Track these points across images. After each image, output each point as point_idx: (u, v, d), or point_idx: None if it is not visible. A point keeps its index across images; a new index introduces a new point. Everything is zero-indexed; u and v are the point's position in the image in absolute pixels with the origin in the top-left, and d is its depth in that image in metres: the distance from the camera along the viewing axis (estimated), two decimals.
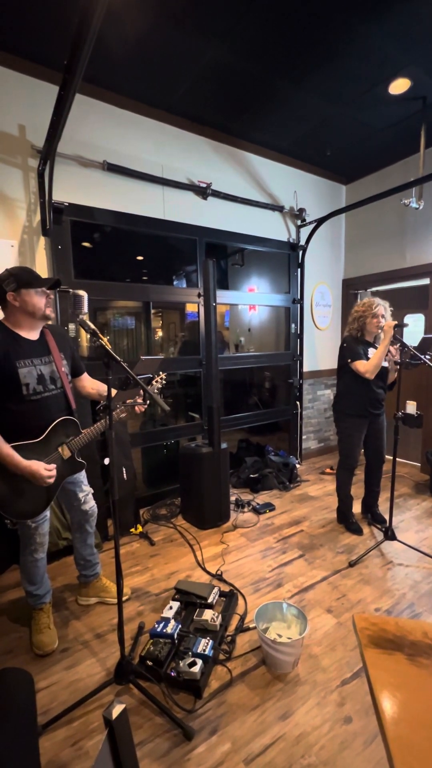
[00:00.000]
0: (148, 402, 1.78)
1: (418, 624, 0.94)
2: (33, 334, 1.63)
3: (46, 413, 1.62)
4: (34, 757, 1.01)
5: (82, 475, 1.87)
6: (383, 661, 0.83)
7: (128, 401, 1.76)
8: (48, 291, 1.61)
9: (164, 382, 1.83)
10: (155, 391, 1.84)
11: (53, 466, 1.59)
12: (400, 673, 0.80)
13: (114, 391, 1.50)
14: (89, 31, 1.35)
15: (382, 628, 0.92)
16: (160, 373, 1.83)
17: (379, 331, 2.49)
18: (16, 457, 1.50)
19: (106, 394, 1.85)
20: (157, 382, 1.80)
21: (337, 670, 1.61)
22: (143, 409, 1.77)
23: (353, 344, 2.52)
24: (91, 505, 1.91)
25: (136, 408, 1.76)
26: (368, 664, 0.83)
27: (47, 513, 1.72)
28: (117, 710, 0.60)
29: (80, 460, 1.76)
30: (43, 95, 2.38)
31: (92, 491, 1.93)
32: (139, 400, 1.76)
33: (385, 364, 2.48)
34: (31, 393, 1.57)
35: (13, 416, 1.54)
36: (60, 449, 1.66)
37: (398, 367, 2.41)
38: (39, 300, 1.57)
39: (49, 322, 1.71)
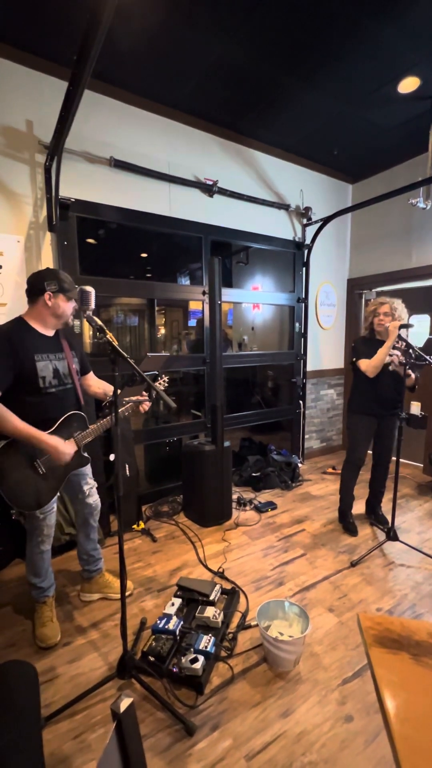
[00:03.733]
0: (152, 400, 1.79)
1: (423, 624, 0.94)
2: (49, 331, 1.69)
3: (60, 407, 1.67)
4: (37, 749, 1.02)
5: (88, 469, 1.90)
6: (388, 661, 0.83)
7: (133, 398, 1.77)
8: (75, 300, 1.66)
9: (166, 384, 1.84)
10: (162, 388, 1.85)
11: (71, 442, 1.65)
12: (405, 672, 0.80)
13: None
14: (99, 27, 1.35)
15: (386, 627, 0.92)
16: (163, 375, 1.84)
17: (384, 330, 2.49)
18: (37, 431, 1.53)
19: (111, 392, 1.87)
20: (160, 384, 1.81)
21: (338, 668, 1.61)
22: (147, 408, 1.79)
23: (360, 344, 2.56)
24: (95, 498, 1.93)
25: (140, 407, 1.77)
26: (374, 663, 0.83)
27: (54, 505, 1.75)
28: (125, 703, 0.60)
29: (86, 455, 1.79)
30: (51, 91, 2.38)
31: (96, 485, 1.95)
32: (145, 397, 1.77)
33: (392, 367, 2.48)
34: (47, 386, 1.62)
35: (29, 408, 1.57)
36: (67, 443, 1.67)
37: (403, 366, 2.40)
38: (69, 308, 1.66)
39: (70, 326, 1.76)
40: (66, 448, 1.61)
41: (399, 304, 2.51)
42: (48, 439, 1.56)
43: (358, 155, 3.64)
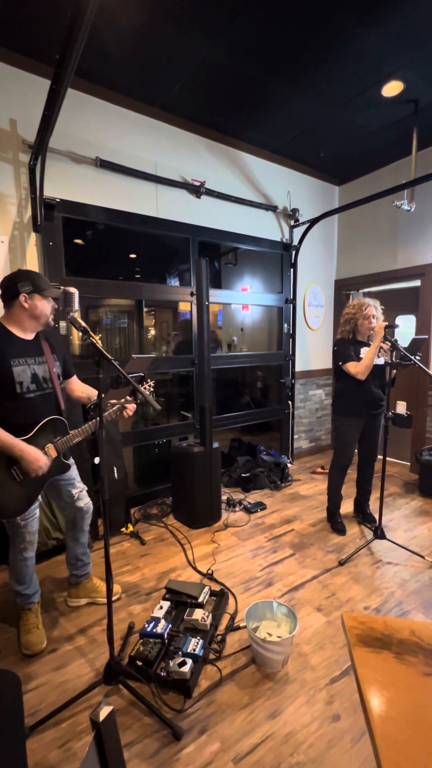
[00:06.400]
0: (136, 403, 1.77)
1: (406, 622, 0.95)
2: (28, 335, 1.66)
3: (38, 412, 1.63)
4: (20, 760, 1.00)
5: (74, 472, 1.87)
6: (371, 660, 0.84)
7: (114, 401, 1.75)
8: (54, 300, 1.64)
9: (152, 389, 1.83)
10: (148, 392, 1.83)
11: (50, 446, 1.64)
12: (388, 671, 0.81)
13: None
14: (82, 25, 1.33)
15: (370, 626, 0.92)
16: (149, 380, 1.83)
17: (371, 332, 2.51)
18: (20, 442, 1.51)
19: (95, 396, 1.84)
20: (145, 388, 1.79)
21: (325, 668, 1.62)
22: (131, 413, 1.77)
23: (344, 347, 2.53)
24: (85, 501, 1.90)
25: (124, 412, 1.75)
26: (356, 662, 0.83)
27: (36, 511, 1.71)
28: (104, 712, 0.59)
29: (66, 461, 1.76)
30: (36, 89, 2.35)
31: (86, 488, 1.93)
32: (130, 399, 1.75)
33: (381, 361, 2.50)
34: (25, 391, 1.59)
35: (5, 413, 1.55)
36: (46, 448, 1.65)
37: (388, 366, 2.43)
38: (47, 307, 1.63)
39: (51, 326, 1.73)
40: (44, 460, 1.57)
41: (378, 306, 2.55)
42: (31, 451, 1.53)
43: (344, 157, 3.68)
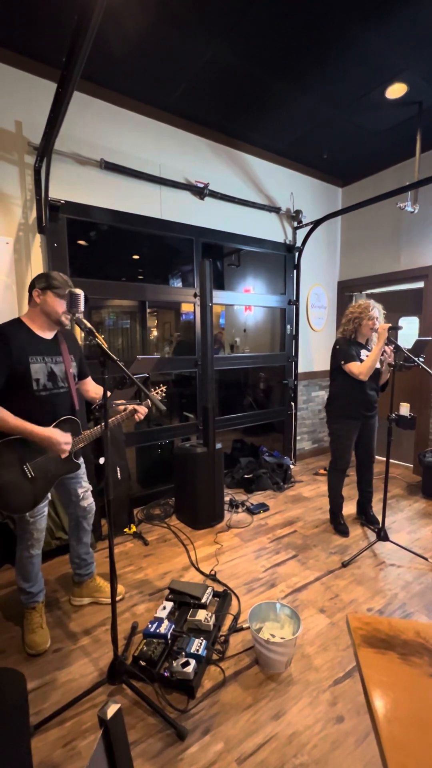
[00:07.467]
0: (142, 404, 1.79)
1: (411, 623, 0.95)
2: (47, 334, 1.69)
3: (53, 410, 1.66)
4: (25, 758, 1.01)
5: (82, 472, 1.89)
6: (376, 661, 0.84)
7: (122, 404, 1.76)
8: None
9: (164, 393, 1.85)
10: (159, 397, 1.86)
11: (69, 434, 1.64)
12: (393, 672, 0.81)
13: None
14: (89, 28, 1.35)
15: (375, 627, 0.92)
16: (161, 384, 1.85)
17: (374, 333, 2.51)
18: (29, 425, 1.53)
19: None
20: (157, 393, 1.82)
21: (329, 669, 1.62)
22: (142, 417, 1.79)
23: (346, 346, 2.53)
24: (89, 501, 1.93)
25: (136, 416, 1.77)
26: (362, 663, 0.83)
27: (45, 509, 1.73)
28: (112, 710, 0.60)
29: (76, 460, 1.77)
30: (41, 92, 2.36)
31: (91, 488, 1.95)
32: (137, 402, 1.77)
33: (377, 365, 2.50)
34: (40, 388, 1.62)
35: (21, 410, 1.56)
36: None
37: (392, 368, 2.43)
38: (58, 305, 1.64)
39: (66, 328, 1.75)
40: (62, 437, 1.59)
41: (381, 309, 2.55)
42: (41, 431, 1.54)
43: (348, 159, 3.68)
